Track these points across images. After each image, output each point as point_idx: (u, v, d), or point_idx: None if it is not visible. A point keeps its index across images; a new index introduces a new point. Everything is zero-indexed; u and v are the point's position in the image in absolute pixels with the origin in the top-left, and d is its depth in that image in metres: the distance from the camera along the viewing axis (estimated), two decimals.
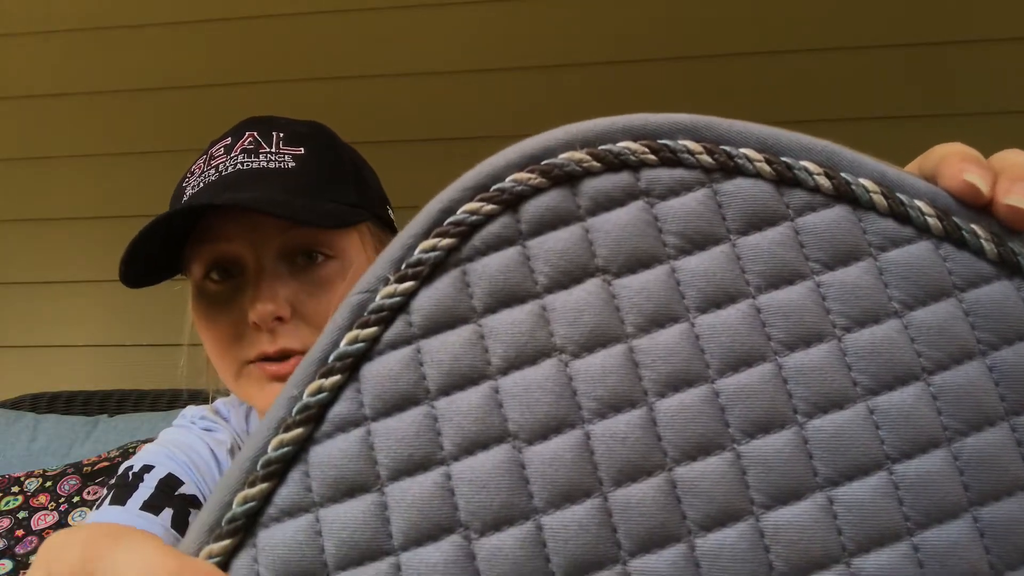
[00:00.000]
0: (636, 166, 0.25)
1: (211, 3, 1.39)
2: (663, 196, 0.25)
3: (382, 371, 0.23)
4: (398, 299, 0.24)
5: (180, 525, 0.54)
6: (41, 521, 1.07)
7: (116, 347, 1.38)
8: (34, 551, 1.03)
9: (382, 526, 0.22)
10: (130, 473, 0.58)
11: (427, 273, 0.24)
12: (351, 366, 0.23)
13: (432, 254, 0.24)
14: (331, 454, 0.23)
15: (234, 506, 0.22)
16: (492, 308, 0.24)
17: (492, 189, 0.25)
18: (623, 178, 0.25)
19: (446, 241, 0.24)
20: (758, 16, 1.30)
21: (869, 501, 0.22)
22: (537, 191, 0.25)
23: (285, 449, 0.23)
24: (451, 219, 0.24)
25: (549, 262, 0.24)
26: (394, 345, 0.24)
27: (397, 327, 0.24)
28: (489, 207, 0.24)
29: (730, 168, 0.25)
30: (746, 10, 1.31)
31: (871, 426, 0.23)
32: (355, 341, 0.23)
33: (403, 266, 0.24)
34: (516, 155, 0.25)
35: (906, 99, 1.28)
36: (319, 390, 0.23)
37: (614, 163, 0.25)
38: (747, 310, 0.24)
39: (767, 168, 0.25)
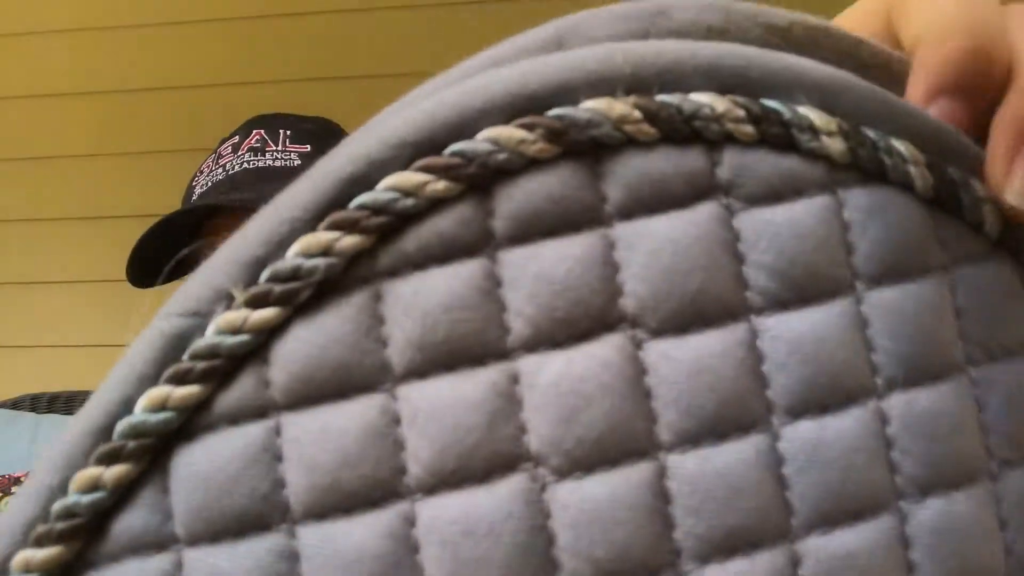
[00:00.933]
0: (717, 140, 0.14)
1: (211, 3, 1.39)
2: (754, 199, 0.14)
3: (207, 466, 0.13)
4: (245, 338, 0.13)
5: None
6: None
7: (116, 347, 1.37)
8: None
9: None
10: None
11: (308, 295, 0.14)
12: (151, 448, 0.13)
13: (320, 260, 0.13)
14: None
15: None
16: (422, 369, 0.14)
17: (449, 151, 0.14)
18: (692, 159, 0.14)
19: (349, 239, 0.13)
20: None
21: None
22: (532, 164, 0.14)
23: None
24: (363, 199, 0.14)
25: (537, 296, 0.14)
26: (234, 418, 0.14)
27: (243, 386, 0.14)
28: (440, 184, 0.14)
29: (872, 168, 0.14)
30: None
31: None
32: (161, 407, 0.13)
33: (264, 276, 0.14)
34: (499, 92, 0.14)
35: None
36: (95, 485, 0.13)
37: (680, 130, 0.14)
38: (868, 419, 0.14)
39: (928, 178, 0.15)
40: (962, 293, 0.15)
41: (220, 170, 0.55)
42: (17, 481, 1.15)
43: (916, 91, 0.15)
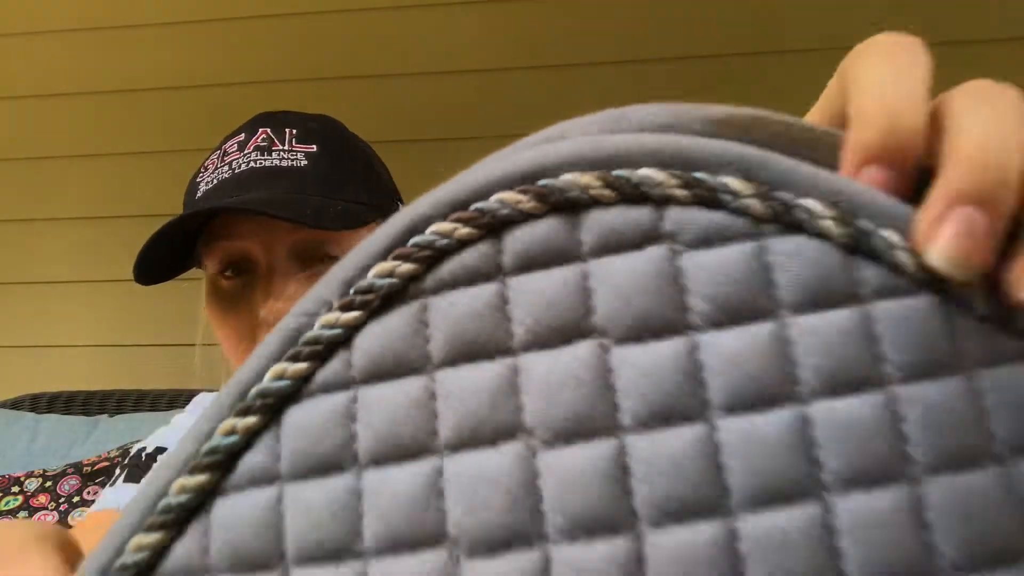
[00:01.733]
0: (661, 201, 0.19)
1: (211, 3, 1.39)
2: (693, 244, 0.19)
3: (306, 421, 0.19)
4: (338, 331, 0.19)
5: None
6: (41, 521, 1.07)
7: (116, 347, 1.38)
8: None
9: None
10: (143, 454, 0.59)
11: (378, 303, 0.20)
12: (272, 407, 0.19)
13: (387, 280, 0.19)
14: (236, 515, 0.19)
15: (126, 553, 0.19)
16: (452, 360, 0.19)
17: (472, 208, 0.20)
18: (643, 214, 0.19)
19: (406, 266, 0.19)
20: (758, 16, 1.31)
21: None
22: (528, 217, 0.19)
23: (185, 497, 0.19)
24: (416, 239, 0.20)
25: (533, 311, 0.19)
26: (327, 388, 0.19)
27: (334, 366, 0.19)
28: (465, 230, 0.19)
29: (788, 222, 0.18)
30: (745, 10, 1.32)
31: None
32: (280, 376, 0.19)
33: (351, 290, 0.20)
34: (506, 170, 0.20)
35: None
36: (231, 431, 0.19)
37: (632, 194, 0.19)
38: (792, 422, 0.17)
39: (838, 230, 0.18)
40: (881, 323, 0.18)
41: (226, 168, 0.54)
42: (17, 481, 1.16)
43: (847, 164, 0.19)
